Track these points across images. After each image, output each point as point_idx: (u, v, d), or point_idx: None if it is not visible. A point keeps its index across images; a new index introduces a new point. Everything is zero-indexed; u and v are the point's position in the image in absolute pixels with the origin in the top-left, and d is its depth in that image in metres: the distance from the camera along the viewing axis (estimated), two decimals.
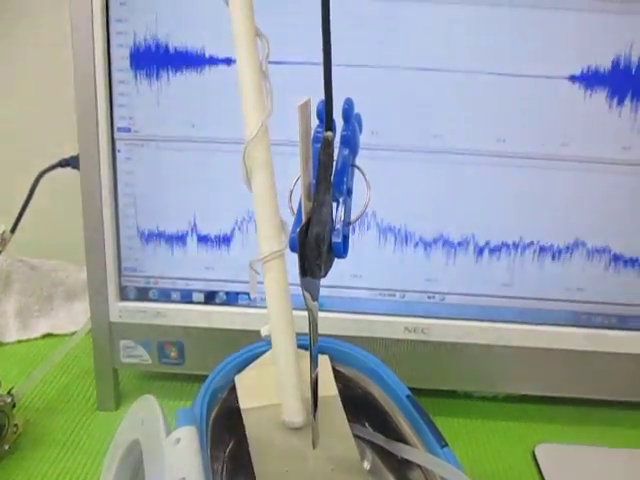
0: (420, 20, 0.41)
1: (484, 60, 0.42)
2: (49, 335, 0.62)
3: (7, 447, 0.45)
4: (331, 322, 0.46)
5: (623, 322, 0.47)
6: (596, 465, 0.46)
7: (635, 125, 0.43)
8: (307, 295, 0.28)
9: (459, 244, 0.46)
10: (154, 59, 0.43)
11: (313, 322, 0.30)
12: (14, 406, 0.46)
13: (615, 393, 0.50)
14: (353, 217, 0.28)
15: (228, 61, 0.42)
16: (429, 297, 0.47)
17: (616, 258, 0.46)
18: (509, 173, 0.44)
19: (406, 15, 0.41)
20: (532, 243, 0.46)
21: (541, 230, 0.46)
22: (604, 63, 0.42)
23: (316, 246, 0.26)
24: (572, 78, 0.42)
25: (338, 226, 0.27)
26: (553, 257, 0.46)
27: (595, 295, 0.47)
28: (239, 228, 0.46)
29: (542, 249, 0.46)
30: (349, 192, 0.28)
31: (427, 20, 0.41)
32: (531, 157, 0.44)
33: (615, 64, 0.42)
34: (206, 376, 0.33)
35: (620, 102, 0.42)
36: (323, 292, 0.46)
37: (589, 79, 0.42)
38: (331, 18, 0.25)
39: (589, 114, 0.43)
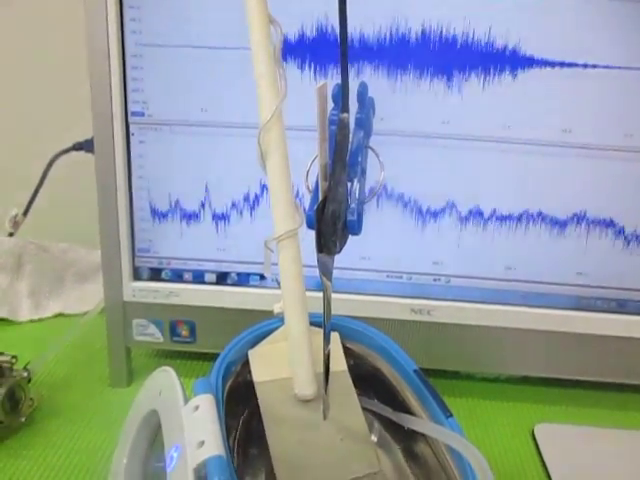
0: (430, 10, 0.42)
1: (493, 47, 0.43)
2: (61, 315, 0.64)
3: (23, 419, 0.46)
4: (339, 303, 0.46)
5: (622, 306, 0.49)
6: (594, 445, 0.47)
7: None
8: (322, 272, 0.29)
9: (465, 228, 0.47)
10: (167, 44, 0.44)
11: (327, 300, 0.31)
12: (30, 381, 0.48)
13: (614, 375, 0.51)
14: (367, 196, 0.29)
15: (239, 47, 0.43)
16: (435, 280, 0.49)
17: (616, 243, 0.47)
18: (513, 159, 0.45)
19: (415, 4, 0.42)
20: (535, 226, 0.47)
21: (544, 214, 0.47)
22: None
23: (332, 223, 0.27)
24: (571, 64, 0.43)
25: (353, 204, 0.28)
26: (555, 241, 0.47)
27: (595, 280, 0.48)
28: (250, 210, 0.47)
29: (545, 233, 0.47)
30: (363, 172, 0.29)
31: (436, 8, 0.42)
32: (535, 143, 0.45)
33: None
34: (216, 354, 0.34)
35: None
36: (333, 274, 0.48)
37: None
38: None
39: (592, 101, 0.44)
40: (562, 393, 0.54)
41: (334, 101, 0.28)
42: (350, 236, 0.30)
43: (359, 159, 0.28)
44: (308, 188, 0.29)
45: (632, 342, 0.49)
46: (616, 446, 0.48)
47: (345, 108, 0.26)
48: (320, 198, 0.27)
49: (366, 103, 0.28)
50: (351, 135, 0.28)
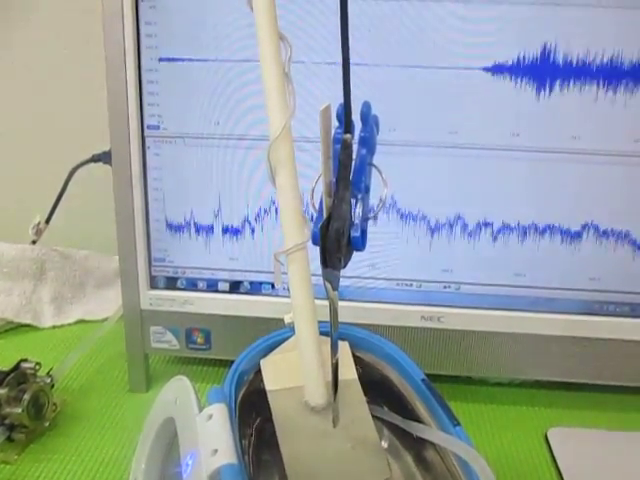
0: (435, 19, 0.43)
1: (496, 58, 0.43)
2: (82, 321, 0.65)
3: (47, 424, 0.48)
4: (351, 311, 0.48)
5: (635, 310, 0.49)
6: (607, 448, 0.47)
7: None
8: (328, 285, 0.30)
9: (474, 237, 0.47)
10: (182, 60, 0.45)
11: (333, 310, 0.32)
12: (53, 386, 0.49)
13: (626, 379, 0.51)
14: (371, 213, 0.30)
15: (252, 60, 0.44)
16: (445, 287, 0.49)
17: (628, 248, 0.47)
18: (523, 167, 0.45)
19: (422, 14, 0.43)
20: (544, 235, 0.47)
21: (553, 222, 0.47)
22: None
23: (336, 240, 0.28)
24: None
25: (357, 221, 0.28)
26: (565, 248, 0.47)
27: (607, 284, 0.48)
28: (261, 221, 0.48)
29: (554, 240, 0.47)
30: (367, 189, 0.29)
31: (442, 18, 0.43)
32: (544, 151, 0.45)
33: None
34: (231, 361, 0.35)
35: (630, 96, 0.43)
36: (343, 282, 0.49)
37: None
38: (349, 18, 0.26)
39: (599, 109, 0.44)
40: (575, 397, 0.54)
41: (339, 120, 0.29)
42: (365, 246, 0.30)
43: (363, 177, 0.29)
44: (313, 206, 0.30)
45: None
46: (630, 449, 0.48)
47: (347, 129, 0.27)
48: (325, 215, 0.28)
49: (369, 122, 0.29)
50: (355, 154, 0.28)
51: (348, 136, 0.27)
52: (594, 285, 0.48)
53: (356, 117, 0.29)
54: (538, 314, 0.49)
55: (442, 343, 0.50)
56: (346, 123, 0.27)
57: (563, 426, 0.50)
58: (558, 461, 0.46)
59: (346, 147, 0.27)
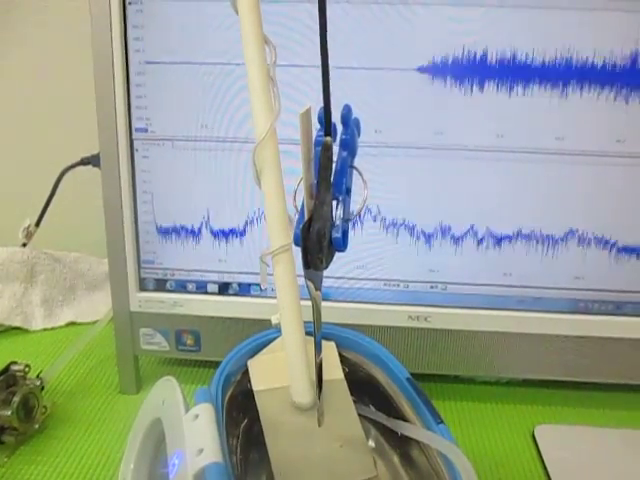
0: (419, 20, 0.43)
1: (480, 59, 0.44)
2: (72, 323, 0.66)
3: (36, 427, 0.48)
4: (338, 311, 0.48)
5: (620, 308, 0.49)
6: (593, 445, 0.48)
7: (628, 119, 0.44)
8: (310, 285, 0.30)
9: (460, 236, 0.48)
10: (169, 63, 0.45)
11: (317, 310, 0.32)
12: (42, 389, 0.49)
13: (612, 376, 0.51)
14: (352, 214, 0.30)
15: (239, 63, 0.44)
16: (432, 287, 0.49)
17: (612, 247, 0.47)
18: (507, 167, 0.46)
19: (404, 17, 0.43)
20: (530, 234, 0.47)
21: (539, 221, 0.47)
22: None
23: (318, 241, 0.28)
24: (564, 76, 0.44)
25: (338, 222, 0.29)
26: (551, 247, 0.48)
27: (593, 283, 0.49)
28: (250, 222, 0.49)
29: (540, 240, 0.47)
30: (348, 191, 0.30)
31: (426, 20, 0.43)
32: (528, 151, 0.45)
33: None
34: (220, 362, 0.35)
35: (613, 97, 0.44)
36: (330, 283, 0.49)
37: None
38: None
39: (582, 110, 0.44)
40: (562, 395, 0.54)
41: (320, 123, 0.29)
42: (346, 247, 0.31)
43: (344, 179, 0.29)
44: (296, 208, 0.30)
45: (630, 343, 0.49)
46: (616, 446, 0.48)
47: (328, 131, 0.27)
48: (306, 217, 0.29)
49: (350, 124, 0.29)
50: (336, 156, 0.29)
51: (328, 139, 0.27)
52: (579, 284, 0.49)
53: (337, 120, 0.30)
54: (524, 313, 0.49)
55: (429, 343, 0.50)
56: (326, 126, 0.27)
57: (550, 423, 0.51)
58: (545, 458, 0.46)
59: (327, 149, 0.27)
